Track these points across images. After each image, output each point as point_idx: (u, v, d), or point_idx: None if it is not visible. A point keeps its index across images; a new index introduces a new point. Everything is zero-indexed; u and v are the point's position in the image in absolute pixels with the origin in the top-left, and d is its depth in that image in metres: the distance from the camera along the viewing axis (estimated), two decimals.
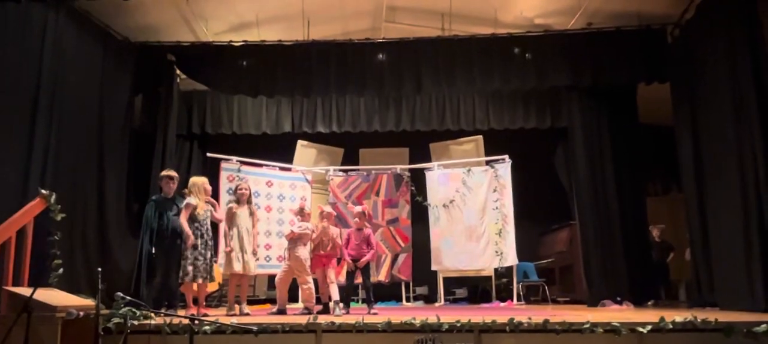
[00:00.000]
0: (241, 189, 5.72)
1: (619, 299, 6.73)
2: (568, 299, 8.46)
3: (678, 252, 8.37)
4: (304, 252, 5.64)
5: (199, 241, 5.42)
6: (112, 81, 6.65)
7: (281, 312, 5.53)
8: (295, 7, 6.90)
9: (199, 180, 5.66)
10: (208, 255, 5.50)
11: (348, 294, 5.96)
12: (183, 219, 5.35)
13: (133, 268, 5.97)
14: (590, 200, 7.31)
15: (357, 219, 5.97)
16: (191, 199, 5.48)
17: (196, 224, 5.43)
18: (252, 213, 5.73)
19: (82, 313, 3.97)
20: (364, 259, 5.79)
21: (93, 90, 6.36)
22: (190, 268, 5.31)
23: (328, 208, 6.05)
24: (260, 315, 5.36)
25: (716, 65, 5.89)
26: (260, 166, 8.22)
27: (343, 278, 7.01)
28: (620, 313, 5.47)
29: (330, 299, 5.59)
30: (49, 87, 5.57)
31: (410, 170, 8.84)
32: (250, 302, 6.88)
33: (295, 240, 5.63)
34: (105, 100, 6.51)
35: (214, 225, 5.81)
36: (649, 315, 4.49)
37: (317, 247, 5.77)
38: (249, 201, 5.73)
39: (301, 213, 5.83)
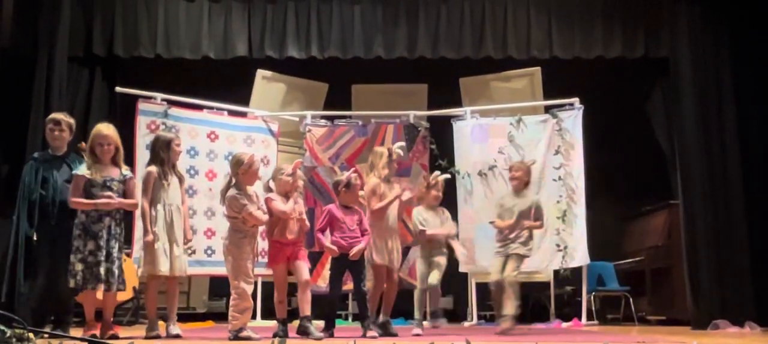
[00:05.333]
0: (177, 143, 5.79)
1: (740, 319, 6.94)
2: (664, 318, 8.59)
3: None
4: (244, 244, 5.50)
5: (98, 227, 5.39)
6: None
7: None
8: None
9: (107, 132, 5.51)
10: (116, 248, 5.44)
11: (331, 307, 6.00)
12: (76, 197, 5.33)
13: (2, 263, 5.98)
14: (702, 169, 7.46)
15: (343, 189, 5.89)
16: (82, 169, 5.39)
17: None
18: (181, 181, 5.76)
19: None
20: (357, 248, 5.79)
21: None
22: (79, 267, 5.27)
23: (286, 169, 5.76)
24: (198, 339, 5.52)
25: None
26: (200, 108, 8.31)
27: (323, 282, 7.03)
28: (741, 340, 5.63)
29: (301, 315, 5.59)
30: None
31: (430, 118, 8.88)
32: (183, 317, 6.97)
33: (239, 228, 5.48)
34: None
35: None
36: None
37: (279, 228, 5.62)
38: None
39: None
